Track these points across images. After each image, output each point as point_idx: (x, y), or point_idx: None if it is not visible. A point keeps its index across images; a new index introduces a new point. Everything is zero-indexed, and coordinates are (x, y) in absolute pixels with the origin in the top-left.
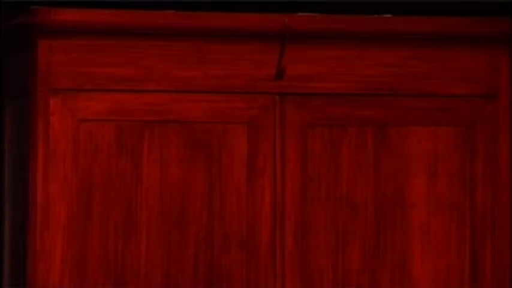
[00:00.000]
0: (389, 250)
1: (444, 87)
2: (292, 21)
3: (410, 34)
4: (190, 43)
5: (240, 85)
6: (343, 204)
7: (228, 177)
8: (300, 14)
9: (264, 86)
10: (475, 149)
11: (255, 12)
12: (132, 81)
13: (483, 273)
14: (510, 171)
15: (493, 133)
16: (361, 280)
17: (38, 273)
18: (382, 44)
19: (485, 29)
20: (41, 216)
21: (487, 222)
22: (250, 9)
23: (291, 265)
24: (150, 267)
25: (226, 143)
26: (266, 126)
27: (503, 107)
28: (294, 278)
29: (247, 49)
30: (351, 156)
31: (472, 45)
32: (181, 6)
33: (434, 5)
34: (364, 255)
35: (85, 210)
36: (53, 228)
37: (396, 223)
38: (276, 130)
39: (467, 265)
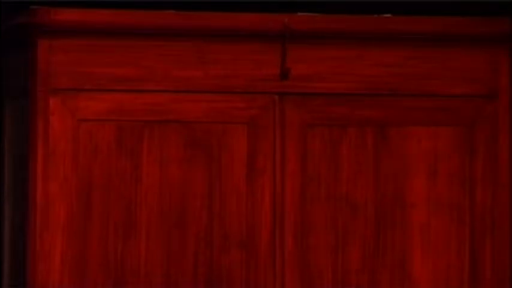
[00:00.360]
0: (389, 250)
1: (444, 87)
2: (292, 21)
3: (410, 34)
4: (190, 43)
5: (240, 85)
6: (343, 204)
7: (228, 177)
8: (300, 14)
9: (264, 86)
10: (475, 149)
11: (255, 12)
12: (132, 81)
13: (483, 273)
14: (510, 171)
15: (493, 133)
16: (361, 280)
17: (38, 273)
18: (382, 44)
19: (485, 29)
20: (41, 216)
21: (487, 222)
22: (250, 9)
23: (291, 265)
24: (150, 267)
25: (226, 143)
26: (266, 126)
27: (503, 107)
28: (293, 278)
29: (247, 49)
30: (350, 156)
31: (472, 45)
32: (181, 6)
33: (434, 5)
34: (364, 255)
35: (85, 210)
36: (52, 228)
37: (396, 223)
38: (275, 130)
39: (467, 265)
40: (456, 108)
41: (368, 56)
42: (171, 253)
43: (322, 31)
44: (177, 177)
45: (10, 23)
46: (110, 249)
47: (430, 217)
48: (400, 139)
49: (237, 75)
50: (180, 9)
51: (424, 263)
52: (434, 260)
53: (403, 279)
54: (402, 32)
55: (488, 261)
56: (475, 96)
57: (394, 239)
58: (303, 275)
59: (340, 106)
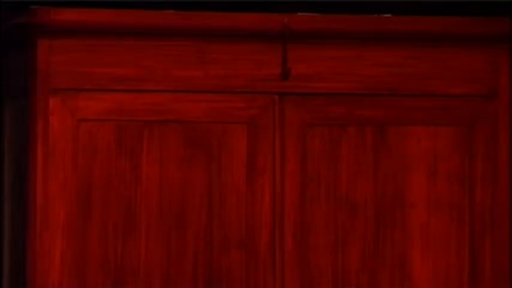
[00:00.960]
0: (389, 250)
1: (444, 87)
2: (292, 21)
3: (410, 34)
4: (190, 43)
5: (240, 85)
6: (343, 204)
7: (227, 177)
8: (299, 14)
9: (264, 85)
10: (474, 149)
11: (255, 12)
12: (132, 81)
13: (482, 273)
14: (509, 171)
15: (493, 133)
16: (361, 280)
17: (38, 273)
18: (382, 44)
19: (485, 29)
20: (41, 217)
21: (487, 221)
22: (250, 9)
23: (291, 265)
24: (150, 267)
25: (226, 143)
26: (266, 126)
27: (503, 107)
28: (293, 278)
29: (247, 49)
30: (350, 156)
31: (472, 45)
32: (181, 6)
33: (434, 5)
34: (363, 255)
35: (84, 210)
36: (52, 228)
37: (396, 223)
38: (275, 130)
39: (466, 265)
40: (456, 108)
41: (368, 56)
42: (171, 253)
43: (322, 31)
44: (177, 177)
45: (10, 23)
46: (109, 249)
47: (429, 217)
48: (399, 139)
49: (237, 75)
50: (180, 9)
51: (424, 263)
52: (434, 260)
53: (403, 279)
54: (402, 32)
55: (487, 261)
56: (475, 96)
57: (394, 239)
58: (302, 275)
59: (340, 106)
